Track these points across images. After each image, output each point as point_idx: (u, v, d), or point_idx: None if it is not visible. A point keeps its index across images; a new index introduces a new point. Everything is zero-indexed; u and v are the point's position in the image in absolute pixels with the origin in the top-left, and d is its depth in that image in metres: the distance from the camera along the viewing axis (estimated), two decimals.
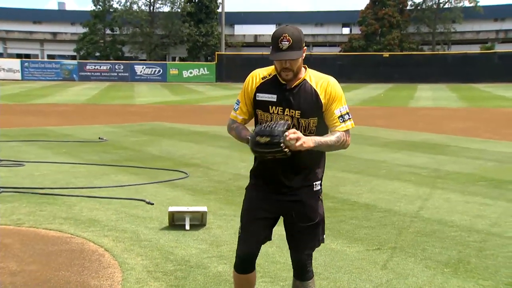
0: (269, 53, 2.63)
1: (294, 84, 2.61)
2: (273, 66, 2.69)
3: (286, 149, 2.41)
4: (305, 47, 2.59)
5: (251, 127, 2.66)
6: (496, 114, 18.55)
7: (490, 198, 5.99)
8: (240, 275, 2.77)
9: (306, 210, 2.67)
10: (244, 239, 2.75)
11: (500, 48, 51.24)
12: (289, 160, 2.52)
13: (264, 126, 2.46)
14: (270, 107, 2.60)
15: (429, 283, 3.54)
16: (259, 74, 2.70)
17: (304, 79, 2.62)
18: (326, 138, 2.57)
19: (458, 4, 57.25)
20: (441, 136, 11.95)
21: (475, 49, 51.00)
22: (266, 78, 2.67)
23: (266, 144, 2.41)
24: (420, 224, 4.94)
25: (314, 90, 2.60)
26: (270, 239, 2.81)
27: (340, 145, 2.62)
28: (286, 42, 2.48)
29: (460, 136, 12.06)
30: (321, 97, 2.59)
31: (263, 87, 2.65)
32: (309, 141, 2.46)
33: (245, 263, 2.76)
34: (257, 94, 2.65)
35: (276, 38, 2.51)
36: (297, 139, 2.40)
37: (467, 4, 56.79)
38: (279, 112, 2.59)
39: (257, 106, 2.65)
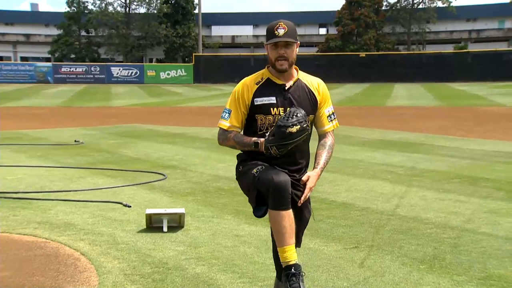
0: (265, 42, 2.68)
1: (291, 84, 2.66)
2: (261, 71, 2.72)
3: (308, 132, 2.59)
4: (298, 42, 2.66)
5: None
6: (470, 112, 18.94)
7: (464, 195, 6.09)
8: (281, 212, 2.50)
9: (303, 206, 2.69)
10: (273, 171, 2.53)
11: (473, 48, 52.37)
12: (288, 159, 2.61)
13: (285, 118, 2.52)
14: (271, 109, 2.62)
15: (405, 280, 3.57)
16: (252, 80, 2.71)
17: (298, 79, 2.70)
18: (325, 160, 2.72)
19: (431, 5, 58.33)
20: (417, 135, 12.13)
21: (449, 49, 52.03)
22: (260, 82, 2.68)
23: (297, 132, 2.50)
24: (397, 222, 4.99)
25: (309, 88, 2.69)
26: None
27: (333, 151, 2.81)
28: (282, 30, 2.56)
29: (435, 134, 12.27)
30: (316, 95, 2.70)
31: (259, 91, 2.65)
32: (315, 179, 2.65)
33: (286, 191, 2.49)
34: (254, 99, 2.65)
35: (272, 27, 2.58)
36: (310, 189, 2.60)
37: (440, 4, 57.92)
38: (281, 113, 2.62)
39: (257, 112, 2.64)
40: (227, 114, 2.71)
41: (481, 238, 4.48)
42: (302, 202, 2.58)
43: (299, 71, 2.74)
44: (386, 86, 38.02)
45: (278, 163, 2.63)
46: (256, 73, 2.74)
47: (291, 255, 2.56)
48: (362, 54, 49.55)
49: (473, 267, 3.81)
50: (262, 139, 2.59)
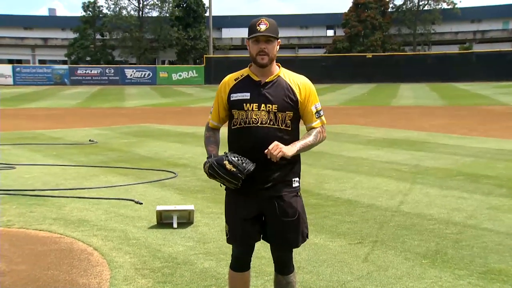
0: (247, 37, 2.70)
1: (268, 80, 2.68)
2: (244, 69, 2.77)
3: (236, 186, 2.59)
4: (279, 40, 2.69)
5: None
6: (473, 111, 18.83)
7: (466, 192, 6.16)
8: (235, 273, 2.86)
9: (286, 206, 2.69)
10: (235, 241, 2.83)
11: (478, 48, 51.92)
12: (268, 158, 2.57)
13: (239, 158, 2.56)
14: (244, 104, 2.65)
15: (408, 274, 3.66)
16: (231, 77, 2.77)
17: (278, 76, 2.71)
18: (305, 140, 2.67)
19: (437, 6, 57.91)
20: (421, 133, 12.14)
21: (454, 49, 51.57)
22: (239, 79, 2.73)
23: (228, 171, 2.55)
24: (401, 218, 5.07)
25: (289, 85, 2.69)
26: (259, 239, 2.83)
27: (318, 142, 2.73)
28: (263, 25, 2.60)
29: (439, 132, 12.26)
30: (297, 93, 2.68)
31: (236, 87, 2.71)
32: (290, 151, 2.57)
33: (239, 262, 2.86)
34: (231, 95, 2.70)
35: (254, 23, 2.63)
36: (279, 151, 2.51)
37: (445, 6, 57.50)
38: (254, 109, 2.64)
39: (233, 107, 2.69)
40: (211, 109, 2.87)
41: (483, 234, 4.55)
42: (269, 152, 2.53)
43: (282, 68, 2.76)
44: (392, 86, 37.73)
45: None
46: (239, 70, 2.82)
47: None
48: (369, 55, 49.30)
49: (474, 261, 3.89)
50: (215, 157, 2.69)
